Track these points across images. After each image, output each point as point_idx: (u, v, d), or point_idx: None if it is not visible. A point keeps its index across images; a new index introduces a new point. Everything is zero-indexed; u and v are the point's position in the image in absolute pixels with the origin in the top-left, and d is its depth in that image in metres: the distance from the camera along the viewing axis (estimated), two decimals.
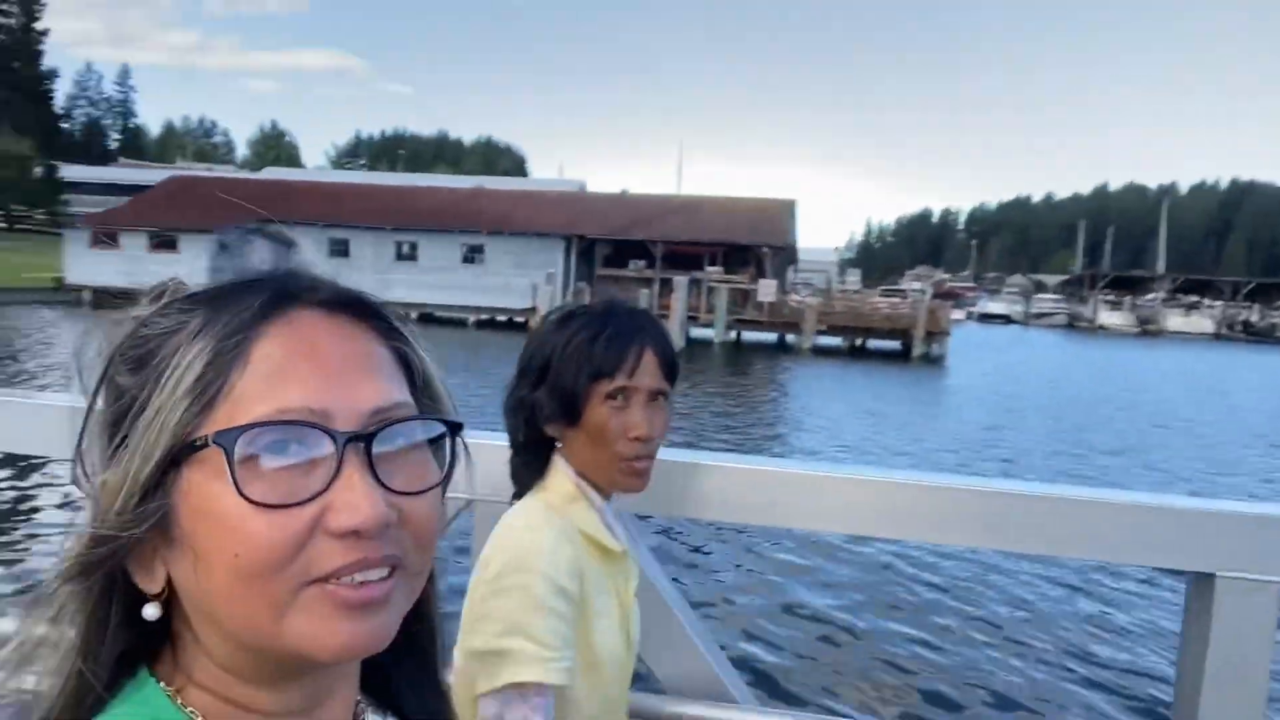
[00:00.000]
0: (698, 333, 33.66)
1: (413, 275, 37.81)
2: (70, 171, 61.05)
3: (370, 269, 37.76)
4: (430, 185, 49.14)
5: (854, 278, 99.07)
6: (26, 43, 64.85)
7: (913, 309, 35.54)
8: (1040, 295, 79.82)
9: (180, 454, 0.50)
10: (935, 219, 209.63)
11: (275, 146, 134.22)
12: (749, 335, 35.24)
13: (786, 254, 41.50)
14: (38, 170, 58.32)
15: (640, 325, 1.27)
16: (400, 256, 38.31)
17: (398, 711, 0.65)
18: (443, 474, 0.56)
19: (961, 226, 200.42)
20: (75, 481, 0.54)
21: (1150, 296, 68.68)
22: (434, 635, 0.65)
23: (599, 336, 1.24)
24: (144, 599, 0.54)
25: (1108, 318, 65.58)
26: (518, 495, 1.32)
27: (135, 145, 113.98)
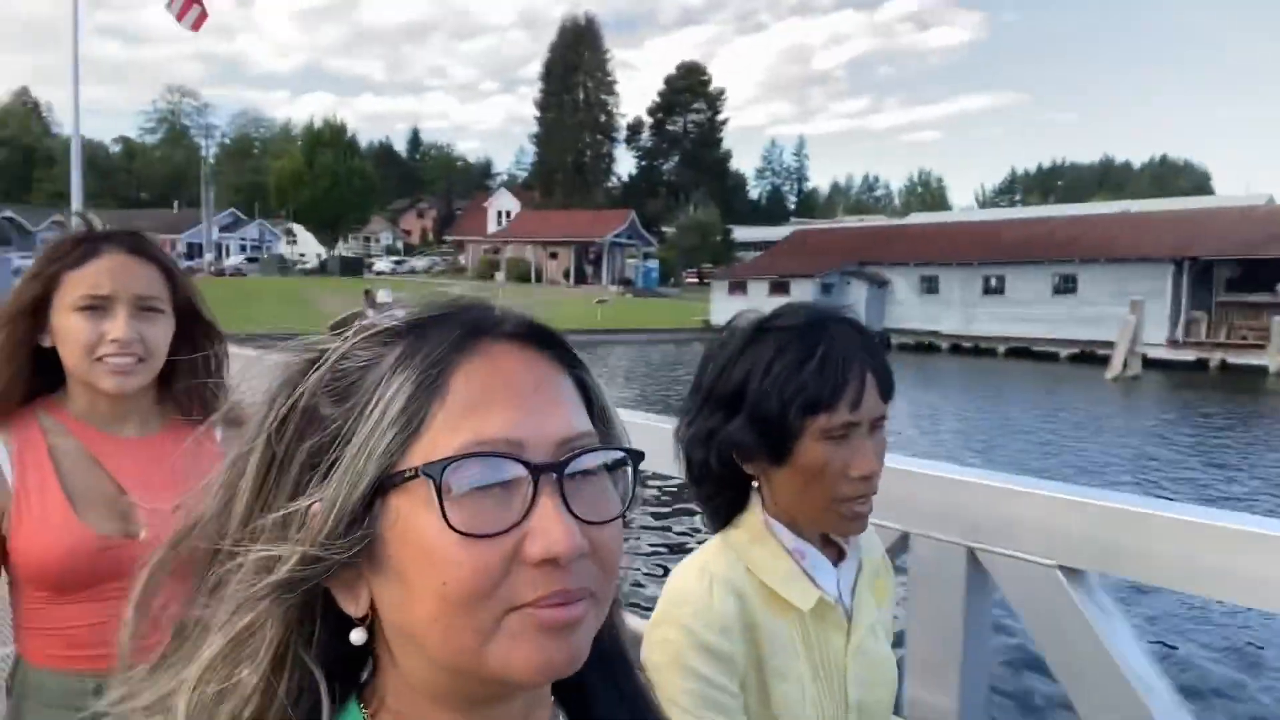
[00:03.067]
0: None
1: (999, 308, 37.48)
2: (741, 233, 74.22)
3: (958, 303, 38.64)
4: (1023, 218, 47.72)
5: None
6: (712, 132, 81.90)
7: None
8: None
9: (387, 482, 0.52)
10: None
11: (922, 193, 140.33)
12: None
13: None
14: (719, 235, 72.21)
15: (858, 343, 1.10)
16: (987, 290, 38.28)
17: None
18: (624, 503, 0.57)
19: None
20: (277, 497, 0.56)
21: None
22: (624, 655, 0.67)
23: (809, 359, 1.07)
24: (345, 624, 0.56)
25: None
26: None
27: (808, 206, 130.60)
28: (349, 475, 0.53)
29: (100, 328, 1.36)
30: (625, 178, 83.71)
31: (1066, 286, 35.82)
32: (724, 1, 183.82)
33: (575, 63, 75.38)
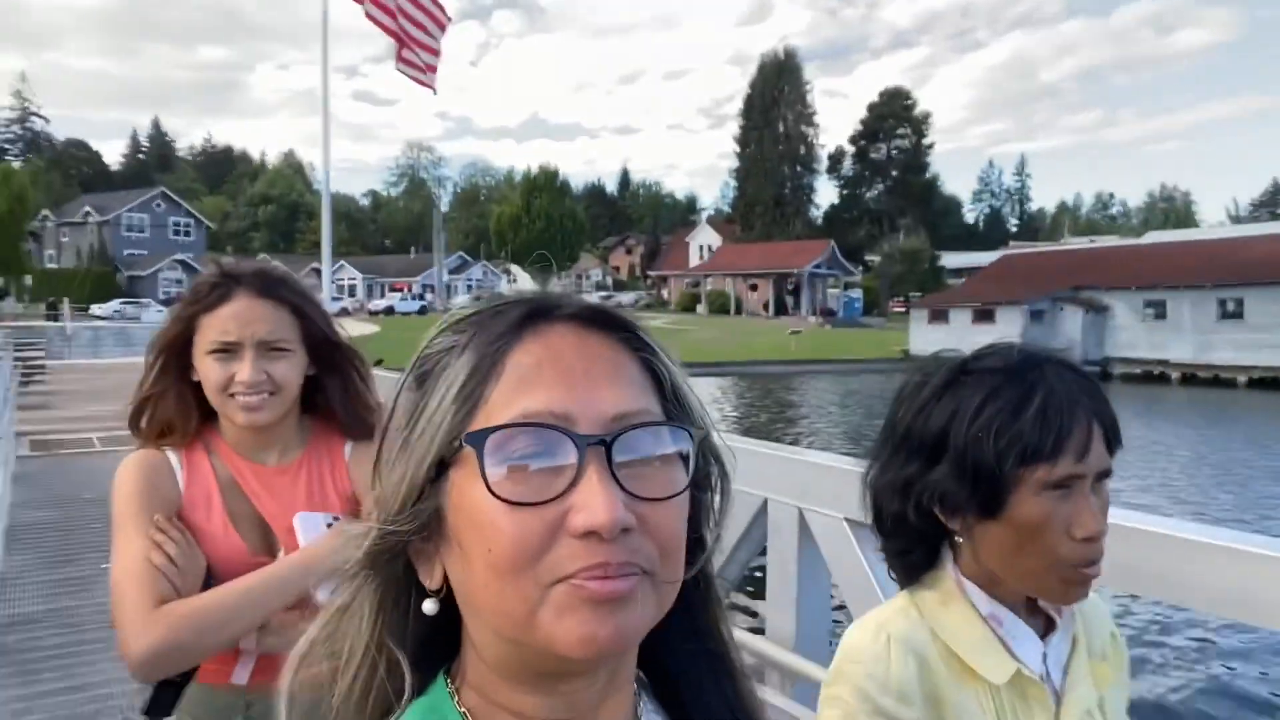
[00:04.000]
0: None
1: (1239, 334, 33.88)
2: (952, 259, 71.46)
3: (1189, 329, 35.33)
4: (1266, 234, 42.51)
5: None
6: (917, 157, 79.50)
7: None
8: None
9: (448, 457, 0.55)
10: None
11: (1164, 209, 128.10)
12: None
13: None
14: (926, 262, 70.00)
15: (1080, 386, 1.00)
16: (1225, 315, 34.73)
17: None
18: (687, 483, 0.57)
19: None
20: (374, 483, 0.60)
21: None
22: (723, 648, 0.66)
23: (1027, 404, 0.97)
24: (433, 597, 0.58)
25: None
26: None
27: (1030, 228, 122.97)
28: (415, 452, 0.56)
29: (229, 370, 1.44)
30: (827, 207, 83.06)
31: None
32: (937, 21, 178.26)
33: (775, 97, 75.87)
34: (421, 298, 64.24)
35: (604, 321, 0.60)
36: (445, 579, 0.58)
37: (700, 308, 63.82)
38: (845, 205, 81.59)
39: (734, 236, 73.58)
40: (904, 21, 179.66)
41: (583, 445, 0.53)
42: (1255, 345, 33.17)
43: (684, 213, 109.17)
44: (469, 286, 72.89)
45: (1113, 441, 1.01)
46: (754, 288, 64.30)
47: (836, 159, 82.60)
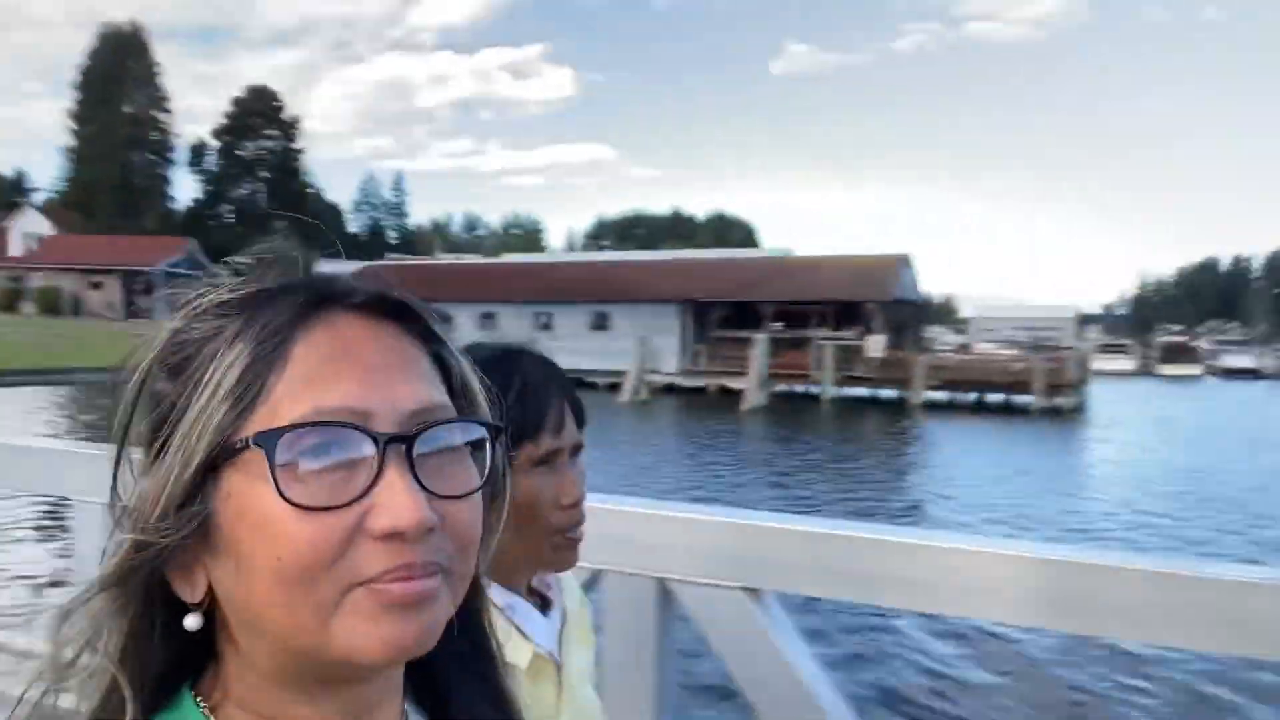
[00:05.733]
0: (802, 389, 33.59)
1: (550, 342, 39.88)
2: (331, 268, 72.29)
3: (512, 339, 41.21)
4: (571, 261, 52.96)
5: (1092, 335, 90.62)
6: (288, 160, 78.77)
7: (1057, 362, 32.91)
8: None
9: (220, 457, 0.50)
10: (1225, 267, 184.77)
11: (519, 234, 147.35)
12: (856, 391, 34.28)
13: (914, 309, 39.87)
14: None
15: (551, 372, 1.12)
16: (539, 327, 41.56)
17: None
18: (483, 479, 0.56)
19: (1259, 274, 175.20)
20: (113, 491, 0.53)
21: None
22: (488, 647, 0.66)
23: (507, 390, 1.03)
24: (184, 612, 0.53)
25: None
26: None
27: (408, 243, 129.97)
28: (181, 453, 0.51)
29: None
30: (191, 203, 77.13)
31: (601, 324, 40.21)
32: (317, 26, 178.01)
33: (119, 73, 67.98)
34: None
35: (395, 311, 0.56)
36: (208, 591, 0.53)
37: (27, 307, 53.81)
38: (211, 202, 76.72)
39: (74, 226, 63.72)
40: (285, 21, 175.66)
41: (383, 443, 0.51)
42: (561, 351, 37.94)
43: (8, 191, 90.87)
44: None
45: (581, 418, 1.12)
46: (98, 286, 56.57)
47: (199, 152, 77.35)
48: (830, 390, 33.05)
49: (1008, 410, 31.67)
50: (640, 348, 33.82)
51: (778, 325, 37.61)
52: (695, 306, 39.03)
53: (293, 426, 0.50)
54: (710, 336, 38.92)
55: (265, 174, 77.39)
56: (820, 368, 33.48)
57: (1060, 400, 30.84)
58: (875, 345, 34.02)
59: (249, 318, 0.53)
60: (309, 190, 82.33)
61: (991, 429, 27.49)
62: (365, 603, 0.50)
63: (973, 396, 32.92)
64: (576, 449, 1.11)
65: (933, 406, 31.78)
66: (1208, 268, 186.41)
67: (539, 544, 1.08)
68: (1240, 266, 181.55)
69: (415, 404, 0.53)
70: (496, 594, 1.07)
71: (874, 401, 33.57)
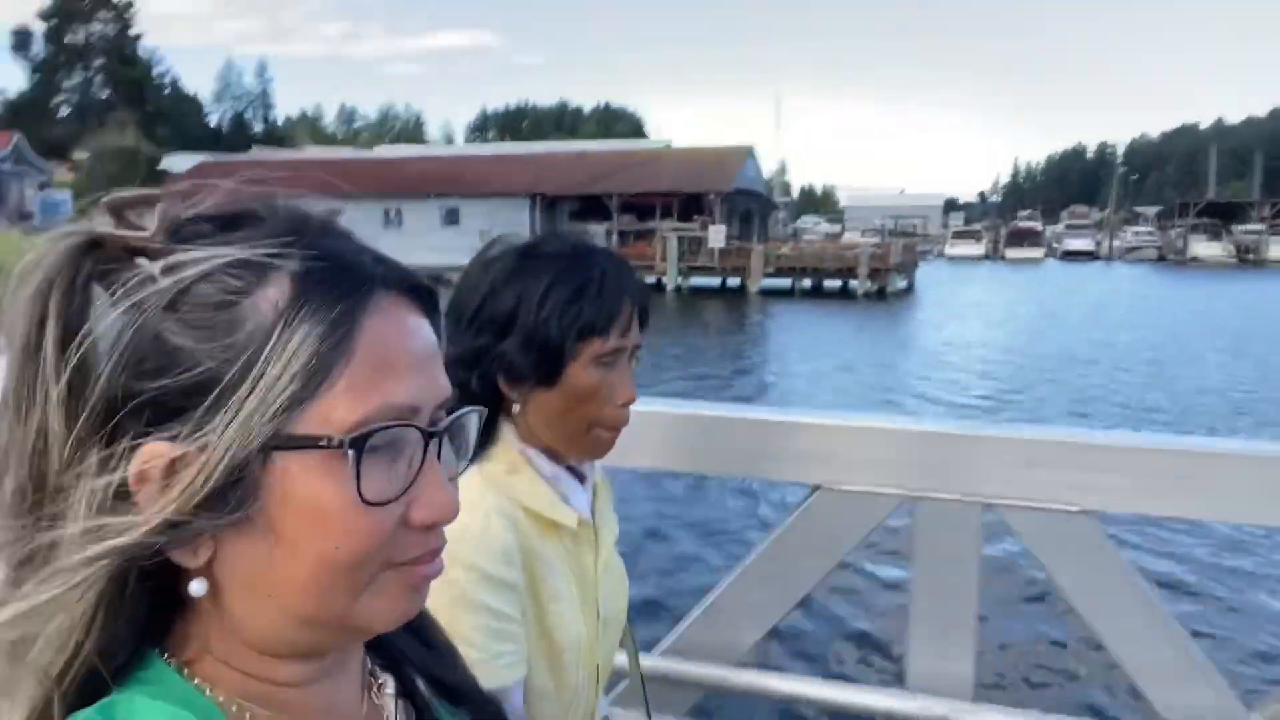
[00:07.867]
0: (651, 280, 34.38)
1: (398, 239, 40.06)
2: (177, 162, 67.97)
3: (360, 236, 40.18)
4: (418, 155, 51.50)
5: (957, 223, 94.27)
6: (122, 45, 72.95)
7: (882, 248, 34.48)
8: (1135, 229, 72.66)
9: (280, 442, 0.48)
10: (1090, 154, 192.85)
11: (397, 126, 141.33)
12: (700, 281, 35.21)
13: (759, 201, 40.78)
14: (144, 164, 65.06)
15: (628, 275, 1.17)
16: (388, 222, 40.65)
17: (400, 667, 0.66)
18: (469, 458, 0.58)
19: (1121, 161, 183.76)
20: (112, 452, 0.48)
21: (1255, 226, 61.17)
22: None
23: (587, 288, 1.12)
24: (164, 575, 0.50)
25: (1203, 249, 58.93)
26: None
27: (276, 136, 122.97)
28: (239, 431, 0.47)
29: None
30: (16, 95, 70.94)
31: (453, 219, 39.63)
32: None
33: None
34: None
35: (422, 294, 0.56)
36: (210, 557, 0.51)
37: None
38: (39, 92, 70.75)
39: None
40: None
41: (427, 439, 0.52)
42: (410, 247, 36.97)
43: None
44: None
45: (645, 321, 1.19)
46: None
47: (23, 38, 70.71)
48: (675, 280, 33.83)
49: (843, 295, 33.19)
50: (480, 242, 33.59)
51: (628, 218, 37.91)
52: (545, 200, 38.82)
53: (379, 428, 0.50)
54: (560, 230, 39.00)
55: (98, 61, 71.58)
56: (665, 259, 34.10)
57: (886, 284, 32.47)
58: (717, 236, 34.73)
59: (299, 290, 0.49)
60: (156, 80, 76.76)
61: (819, 313, 28.86)
62: (393, 582, 0.53)
63: (808, 283, 34.26)
64: (635, 351, 1.18)
65: (771, 293, 33.02)
66: (1075, 155, 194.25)
67: (583, 433, 1.16)
68: (1107, 154, 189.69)
69: (444, 394, 0.55)
70: (544, 464, 1.18)
71: (719, 291, 34.58)
